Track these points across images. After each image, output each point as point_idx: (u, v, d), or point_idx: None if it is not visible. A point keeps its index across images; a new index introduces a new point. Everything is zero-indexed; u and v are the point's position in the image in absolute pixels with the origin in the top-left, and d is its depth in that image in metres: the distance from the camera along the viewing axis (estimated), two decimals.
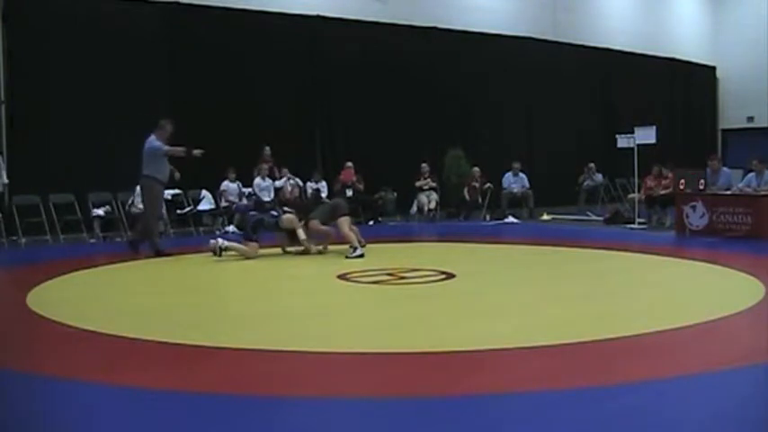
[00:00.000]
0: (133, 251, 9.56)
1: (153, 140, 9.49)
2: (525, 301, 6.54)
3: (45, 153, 11.84)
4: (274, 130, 14.08)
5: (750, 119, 21.88)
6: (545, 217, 14.91)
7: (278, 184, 13.34)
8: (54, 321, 5.65)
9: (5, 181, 11.23)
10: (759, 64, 20.86)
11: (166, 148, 9.50)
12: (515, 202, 15.34)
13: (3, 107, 11.96)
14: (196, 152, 9.54)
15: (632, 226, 12.83)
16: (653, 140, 12.52)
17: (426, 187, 14.77)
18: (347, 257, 8.97)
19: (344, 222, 9.43)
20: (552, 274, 8.13)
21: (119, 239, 11.59)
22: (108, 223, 11.87)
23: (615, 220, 13.62)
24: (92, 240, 11.47)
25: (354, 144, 15.06)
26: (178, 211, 12.47)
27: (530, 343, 4.85)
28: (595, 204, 16.36)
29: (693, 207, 11.20)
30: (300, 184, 13.70)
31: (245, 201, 12.98)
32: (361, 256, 9.02)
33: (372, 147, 15.01)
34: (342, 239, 9.43)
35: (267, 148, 13.48)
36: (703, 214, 11.07)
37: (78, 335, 5.25)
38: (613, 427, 3.43)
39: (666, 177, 12.99)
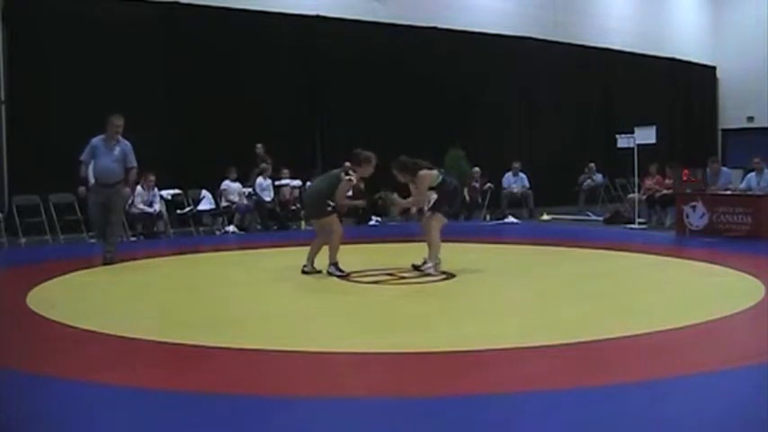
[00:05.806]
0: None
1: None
2: (525, 301, 6.54)
3: (45, 153, 11.83)
4: (274, 129, 14.08)
5: (750, 119, 21.89)
6: (545, 217, 14.90)
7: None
8: (54, 321, 5.64)
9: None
10: (759, 64, 20.86)
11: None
12: (515, 202, 15.33)
13: (3, 107, 11.96)
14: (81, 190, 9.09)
15: (632, 226, 12.82)
16: (653, 140, 12.54)
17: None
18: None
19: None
20: (552, 274, 8.12)
21: (118, 239, 11.56)
22: None
23: (615, 220, 13.62)
24: (92, 240, 11.45)
25: (354, 144, 14.91)
26: (178, 211, 12.46)
27: (530, 343, 4.84)
28: (595, 204, 16.35)
29: (693, 207, 11.19)
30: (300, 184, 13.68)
31: (245, 201, 12.96)
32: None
33: (372, 147, 14.77)
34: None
35: (259, 146, 13.22)
36: (703, 214, 11.07)
37: (78, 335, 5.25)
38: (613, 428, 3.42)
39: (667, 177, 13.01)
